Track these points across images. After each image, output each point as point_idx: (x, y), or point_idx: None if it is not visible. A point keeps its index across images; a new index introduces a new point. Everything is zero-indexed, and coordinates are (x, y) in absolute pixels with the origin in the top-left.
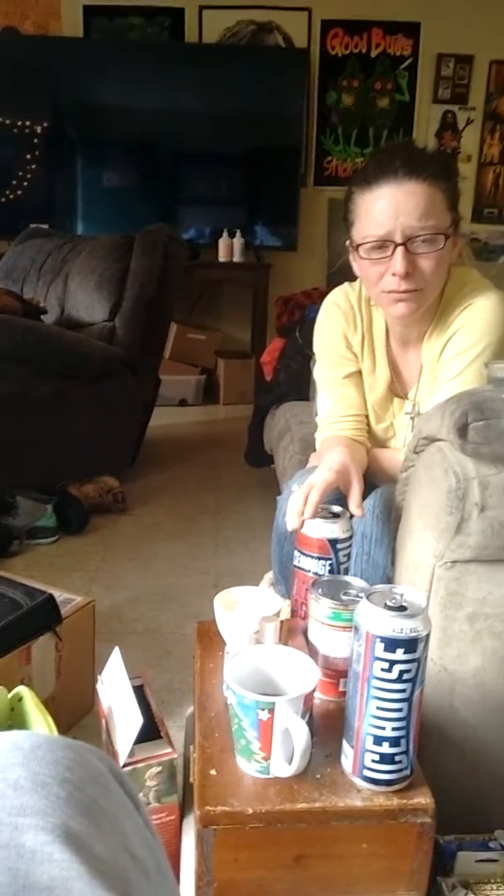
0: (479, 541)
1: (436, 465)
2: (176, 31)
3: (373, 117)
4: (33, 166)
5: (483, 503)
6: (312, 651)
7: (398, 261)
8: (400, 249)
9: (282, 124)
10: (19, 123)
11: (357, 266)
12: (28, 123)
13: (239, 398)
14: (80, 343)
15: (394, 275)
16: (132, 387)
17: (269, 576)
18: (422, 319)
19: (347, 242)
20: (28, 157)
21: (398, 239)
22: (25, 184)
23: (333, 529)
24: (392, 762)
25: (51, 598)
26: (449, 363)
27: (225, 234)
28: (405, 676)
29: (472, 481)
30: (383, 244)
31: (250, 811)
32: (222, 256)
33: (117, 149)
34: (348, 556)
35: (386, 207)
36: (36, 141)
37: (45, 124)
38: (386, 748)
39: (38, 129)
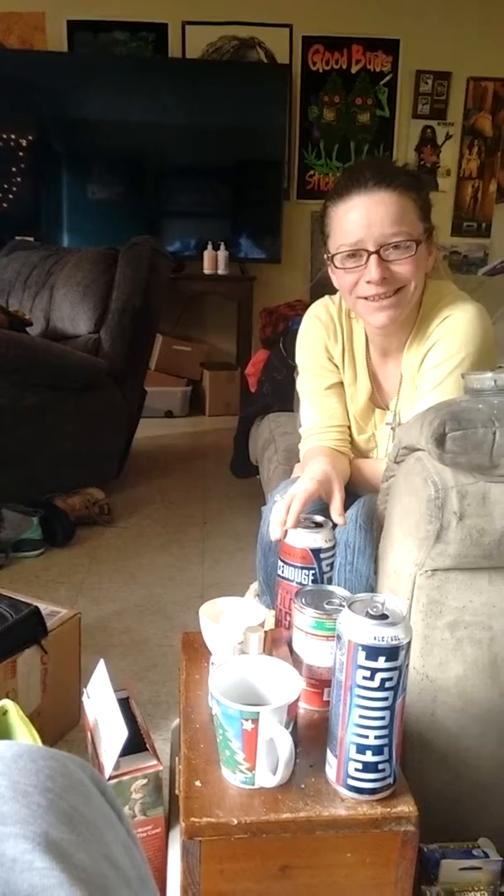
0: (459, 549)
1: (415, 475)
2: (159, 46)
3: (354, 132)
4: (18, 179)
5: (461, 512)
6: (297, 661)
7: (372, 268)
8: (373, 257)
9: (264, 138)
10: (4, 136)
11: (334, 277)
12: (13, 136)
13: (224, 409)
14: (66, 355)
15: (368, 282)
16: (118, 398)
17: (254, 586)
18: (401, 330)
19: (325, 256)
20: (13, 169)
21: (371, 247)
22: (11, 196)
23: (316, 539)
24: (375, 770)
25: (36, 611)
26: (428, 374)
27: (210, 246)
28: (387, 684)
29: (450, 490)
30: (357, 253)
31: (235, 822)
32: (207, 269)
33: (102, 162)
34: (331, 565)
35: (357, 217)
36: (21, 154)
37: (30, 137)
38: (369, 757)
39: (23, 143)
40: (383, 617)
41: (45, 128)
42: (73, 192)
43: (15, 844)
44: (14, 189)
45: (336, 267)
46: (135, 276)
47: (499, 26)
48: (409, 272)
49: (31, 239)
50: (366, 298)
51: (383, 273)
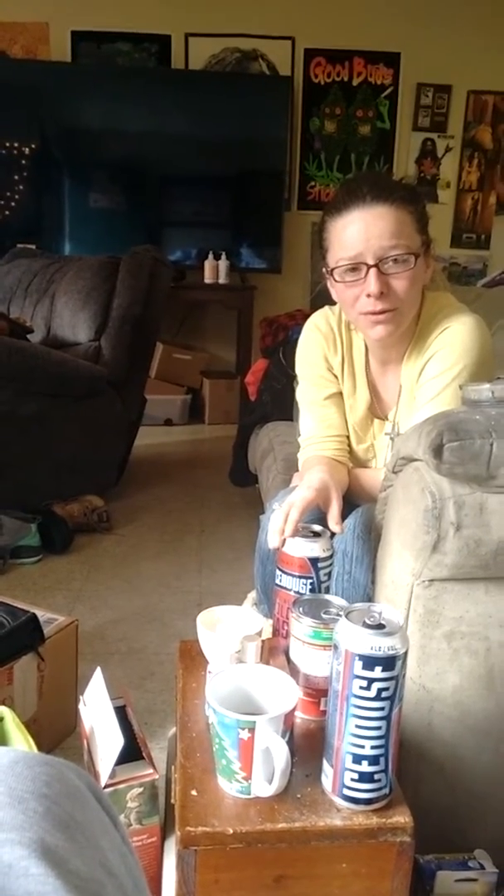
0: (456, 559)
1: (413, 485)
2: (163, 57)
3: (355, 144)
4: (21, 187)
5: (458, 522)
6: (294, 670)
7: (371, 282)
8: (373, 271)
9: (266, 149)
10: (7, 144)
11: (334, 291)
12: (16, 145)
13: (224, 418)
14: (67, 362)
15: (368, 296)
16: (118, 406)
17: (252, 595)
18: (400, 341)
19: (324, 269)
20: (16, 177)
21: (370, 260)
22: (13, 204)
23: (314, 548)
24: (371, 781)
25: (33, 618)
26: (427, 385)
27: (210, 256)
28: (383, 694)
29: (447, 501)
30: (356, 267)
31: (231, 832)
32: (208, 278)
33: (104, 171)
34: (329, 574)
35: (356, 231)
36: (24, 162)
37: (33, 146)
38: (365, 767)
39: (27, 151)
40: (380, 627)
41: (47, 137)
42: (74, 201)
43: (11, 850)
44: (16, 197)
45: (336, 280)
46: (135, 284)
47: (499, 40)
48: (407, 286)
49: (33, 247)
50: (366, 314)
51: (382, 287)
